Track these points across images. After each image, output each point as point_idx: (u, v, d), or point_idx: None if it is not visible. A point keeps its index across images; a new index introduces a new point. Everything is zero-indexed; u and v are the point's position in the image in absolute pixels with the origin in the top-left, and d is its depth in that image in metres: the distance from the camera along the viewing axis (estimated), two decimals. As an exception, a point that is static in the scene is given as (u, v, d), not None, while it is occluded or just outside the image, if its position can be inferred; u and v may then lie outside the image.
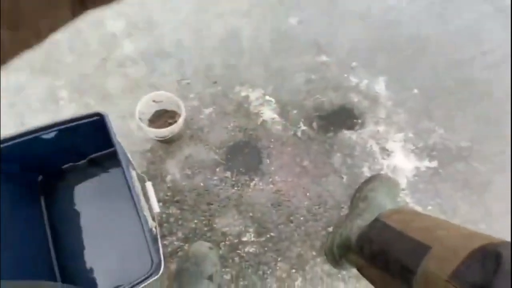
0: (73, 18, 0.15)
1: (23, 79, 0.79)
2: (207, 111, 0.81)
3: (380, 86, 0.91)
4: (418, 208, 0.75)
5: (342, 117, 0.85)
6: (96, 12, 0.17)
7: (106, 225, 0.60)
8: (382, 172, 0.78)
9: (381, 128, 0.84)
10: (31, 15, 0.13)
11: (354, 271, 0.66)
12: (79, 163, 0.65)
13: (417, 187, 0.78)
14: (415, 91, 0.92)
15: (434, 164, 0.81)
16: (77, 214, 0.61)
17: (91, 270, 0.57)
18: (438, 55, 0.98)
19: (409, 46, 0.99)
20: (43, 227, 0.57)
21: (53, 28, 0.15)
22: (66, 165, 0.64)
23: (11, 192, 0.51)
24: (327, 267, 0.66)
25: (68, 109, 0.76)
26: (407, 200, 0.76)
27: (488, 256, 0.29)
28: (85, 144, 0.60)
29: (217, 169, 0.74)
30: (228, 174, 0.74)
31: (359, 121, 0.85)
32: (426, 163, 0.81)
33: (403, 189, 0.77)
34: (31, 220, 0.55)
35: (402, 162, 0.80)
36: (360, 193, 0.70)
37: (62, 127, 0.51)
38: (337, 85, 0.89)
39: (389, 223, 0.47)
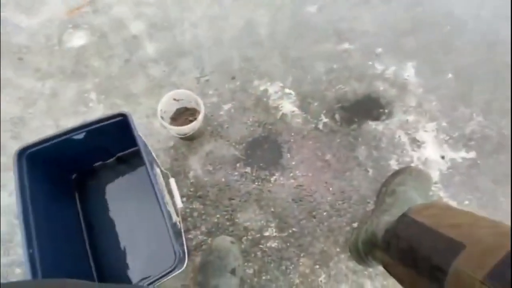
0: None
1: (57, 85, 0.85)
2: (226, 107, 0.81)
3: (409, 72, 0.85)
4: (453, 203, 0.70)
5: (367, 108, 0.80)
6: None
7: (134, 220, 0.64)
8: (412, 165, 0.73)
9: (411, 117, 0.79)
10: None
11: (381, 268, 0.63)
12: (108, 161, 0.69)
13: (451, 180, 0.72)
14: (449, 75, 0.84)
15: (472, 155, 0.74)
16: (107, 210, 0.64)
17: (120, 262, 0.60)
18: (474, 35, 0.89)
19: (441, 27, 0.91)
20: (79, 222, 0.61)
21: None
22: (96, 164, 0.68)
23: (50, 189, 0.55)
24: (352, 263, 0.64)
25: (97, 110, 0.81)
26: (441, 194, 0.71)
27: None
28: (112, 143, 0.63)
29: (238, 165, 0.74)
30: (248, 169, 0.74)
31: (386, 110, 0.80)
32: (462, 154, 0.75)
33: (435, 183, 0.72)
34: (68, 215, 0.60)
35: (434, 154, 0.75)
36: (387, 187, 0.67)
37: (90, 128, 0.54)
38: (360, 73, 0.85)
39: (419, 218, 0.44)
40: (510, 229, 0.32)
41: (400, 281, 0.46)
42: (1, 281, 0.63)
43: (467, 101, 0.81)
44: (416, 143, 0.76)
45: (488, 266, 0.28)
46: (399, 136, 0.77)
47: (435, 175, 0.72)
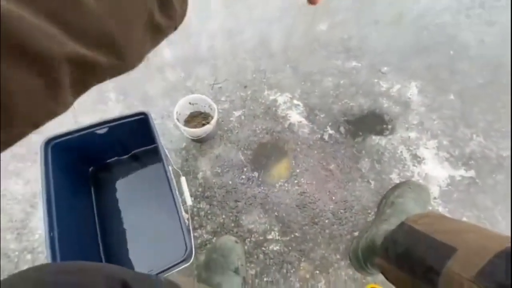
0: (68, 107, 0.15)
1: (78, 83, 0.90)
2: (237, 113, 0.85)
3: (412, 92, 0.89)
4: (452, 219, 0.72)
5: (371, 122, 0.84)
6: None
7: (145, 215, 0.66)
8: (412, 179, 0.76)
9: (413, 134, 0.82)
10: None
11: (380, 277, 0.65)
12: (123, 157, 0.72)
13: (451, 197, 0.75)
14: (452, 96, 0.88)
15: (471, 173, 0.77)
16: (119, 203, 0.67)
17: (128, 253, 0.63)
18: (477, 59, 0.93)
19: (445, 50, 0.95)
20: (93, 213, 0.64)
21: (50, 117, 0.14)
22: (112, 159, 0.72)
23: (69, 179, 0.58)
24: (352, 271, 0.66)
25: (115, 109, 0.85)
26: (440, 210, 0.73)
27: None
28: (130, 140, 0.67)
29: (245, 169, 0.77)
30: (255, 174, 0.77)
31: (389, 126, 0.83)
32: (461, 172, 0.77)
33: (435, 198, 0.74)
34: (84, 205, 0.63)
35: (434, 170, 0.77)
36: (387, 199, 0.69)
37: (113, 123, 0.58)
38: (367, 90, 0.89)
39: (415, 226, 0.47)
40: (497, 234, 0.35)
41: (396, 285, 0.48)
42: (10, 267, 0.65)
43: (468, 121, 0.84)
44: (417, 159, 0.79)
45: (476, 266, 0.31)
46: (401, 152, 0.80)
47: (434, 190, 0.75)
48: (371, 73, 0.91)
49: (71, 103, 0.14)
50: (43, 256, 0.66)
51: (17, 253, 0.66)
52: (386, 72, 0.92)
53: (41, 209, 0.70)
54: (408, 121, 0.84)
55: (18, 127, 0.13)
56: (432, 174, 0.77)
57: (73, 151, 0.59)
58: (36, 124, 0.14)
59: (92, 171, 0.70)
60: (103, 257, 0.61)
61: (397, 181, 0.75)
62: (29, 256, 0.67)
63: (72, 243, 0.52)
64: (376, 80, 0.90)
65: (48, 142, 0.55)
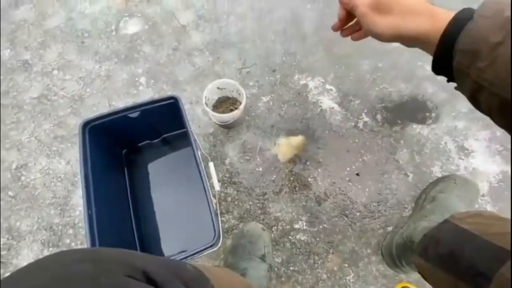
0: None
1: (112, 68, 0.92)
2: (265, 99, 0.83)
3: (462, 76, 0.79)
4: (502, 219, 0.65)
5: (412, 110, 0.77)
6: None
7: (175, 198, 0.68)
8: (457, 173, 0.69)
9: (460, 123, 0.74)
10: None
11: (414, 276, 0.61)
12: (154, 141, 0.74)
13: (501, 195, 0.67)
14: (510, 82, 0.77)
15: (529, 169, 0.68)
16: (151, 185, 0.70)
17: (159, 234, 0.65)
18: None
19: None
20: (126, 193, 0.67)
21: None
22: (144, 142, 0.73)
23: (105, 160, 0.61)
24: (383, 267, 0.63)
25: (146, 93, 0.86)
26: (487, 208, 0.66)
27: None
28: (161, 124, 0.68)
29: (272, 156, 0.76)
30: (281, 160, 0.75)
31: (433, 114, 0.76)
32: (517, 167, 0.69)
33: (483, 195, 0.67)
34: (118, 186, 0.66)
35: (484, 164, 0.70)
36: (427, 194, 0.64)
37: (144, 107, 0.58)
38: (408, 74, 0.81)
39: (462, 225, 0.42)
40: None
41: (436, 286, 0.44)
42: (54, 239, 0.71)
43: (529, 111, 0.73)
44: (464, 151, 0.72)
45: None
46: (445, 143, 0.73)
47: (483, 187, 0.68)
48: (415, 55, 0.83)
49: None
50: (83, 231, 0.71)
51: (60, 227, 0.72)
52: (432, 54, 0.83)
53: (81, 187, 0.74)
54: (456, 109, 0.76)
55: None
56: (481, 169, 0.69)
57: (108, 133, 0.61)
58: None
59: (125, 153, 0.72)
60: (136, 236, 0.63)
61: (439, 175, 0.69)
62: (71, 231, 0.72)
63: (108, 220, 0.55)
64: (420, 63, 0.82)
65: (85, 125, 0.57)
